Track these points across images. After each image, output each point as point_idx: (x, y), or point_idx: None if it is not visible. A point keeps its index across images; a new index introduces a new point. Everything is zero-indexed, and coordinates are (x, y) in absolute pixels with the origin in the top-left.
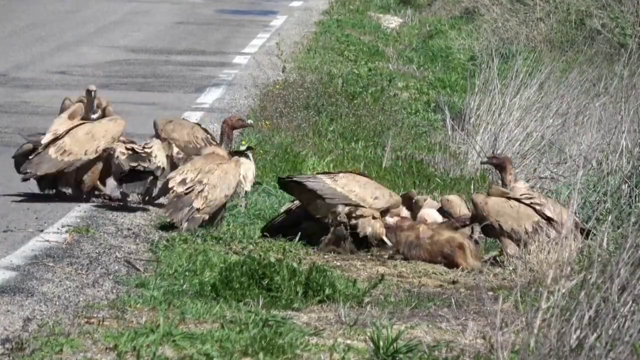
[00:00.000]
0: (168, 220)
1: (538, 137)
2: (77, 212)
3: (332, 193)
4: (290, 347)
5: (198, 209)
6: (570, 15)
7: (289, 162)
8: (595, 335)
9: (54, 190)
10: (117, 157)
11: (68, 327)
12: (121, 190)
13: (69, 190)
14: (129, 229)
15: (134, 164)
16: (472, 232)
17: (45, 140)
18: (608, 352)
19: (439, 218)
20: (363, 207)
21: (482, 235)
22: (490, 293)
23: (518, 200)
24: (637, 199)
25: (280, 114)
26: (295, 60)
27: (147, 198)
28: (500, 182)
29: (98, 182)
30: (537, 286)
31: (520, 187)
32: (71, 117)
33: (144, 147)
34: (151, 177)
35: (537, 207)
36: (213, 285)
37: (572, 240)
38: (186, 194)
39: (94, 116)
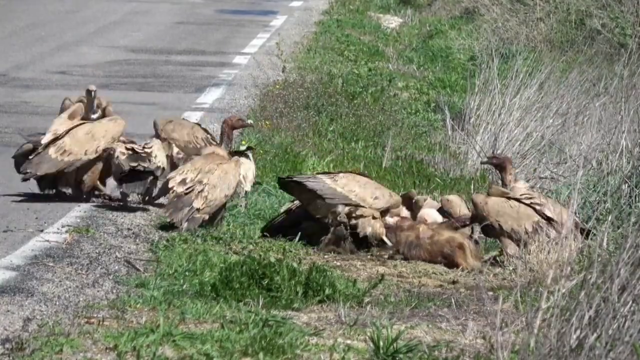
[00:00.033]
0: (168, 220)
1: (538, 137)
2: (77, 212)
3: (332, 193)
4: (290, 347)
5: (198, 209)
6: (570, 15)
7: (289, 162)
8: (595, 335)
9: (54, 190)
10: (117, 157)
11: (68, 327)
12: (121, 190)
13: (68, 191)
14: (129, 229)
15: (134, 164)
16: (472, 232)
17: (45, 140)
18: (608, 352)
19: (439, 218)
20: (363, 207)
21: (482, 235)
22: (490, 293)
23: (518, 200)
24: (637, 199)
25: (280, 114)
26: (295, 60)
27: (147, 198)
28: (500, 182)
29: (98, 182)
30: (537, 286)
31: (520, 187)
32: (71, 117)
33: (144, 147)
34: (151, 177)
35: (537, 207)
36: (213, 285)
37: (572, 240)
38: (186, 194)
39: (94, 116)
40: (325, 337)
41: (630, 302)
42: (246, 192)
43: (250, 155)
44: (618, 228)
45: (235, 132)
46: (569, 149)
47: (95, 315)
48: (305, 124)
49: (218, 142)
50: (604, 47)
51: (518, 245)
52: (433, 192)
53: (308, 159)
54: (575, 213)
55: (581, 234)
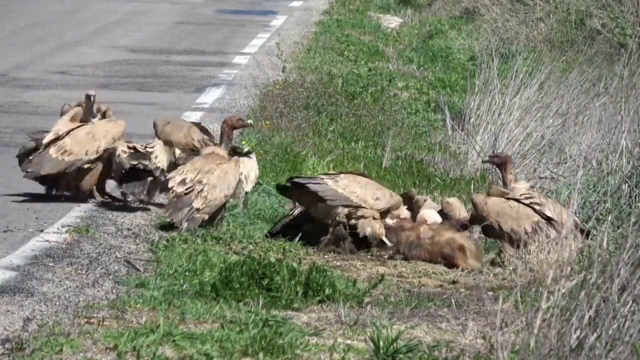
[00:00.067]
0: (168, 220)
1: (538, 137)
2: (77, 212)
3: (334, 195)
4: (290, 347)
5: (198, 209)
6: (570, 15)
7: (289, 162)
8: (595, 335)
9: (55, 191)
10: (119, 155)
11: (68, 327)
12: (121, 190)
13: (68, 193)
14: (129, 229)
15: (135, 162)
16: (471, 232)
17: (46, 140)
18: (608, 352)
19: (439, 219)
20: (364, 207)
21: (481, 235)
22: (490, 293)
23: (517, 200)
24: (637, 199)
25: (280, 114)
26: (295, 60)
27: (146, 199)
28: (500, 181)
29: (94, 188)
30: (537, 286)
31: (521, 188)
32: (72, 120)
33: (145, 147)
34: (150, 178)
35: (537, 207)
36: (213, 285)
37: (572, 240)
38: (186, 194)
39: (94, 120)
40: (325, 337)
41: (630, 302)
42: (246, 192)
43: (253, 155)
44: (618, 228)
45: (235, 132)
46: (569, 149)
47: (95, 315)
48: (305, 124)
49: (215, 142)
50: (604, 47)
51: (518, 246)
52: (433, 192)
53: (308, 159)
54: (575, 213)
55: (581, 234)
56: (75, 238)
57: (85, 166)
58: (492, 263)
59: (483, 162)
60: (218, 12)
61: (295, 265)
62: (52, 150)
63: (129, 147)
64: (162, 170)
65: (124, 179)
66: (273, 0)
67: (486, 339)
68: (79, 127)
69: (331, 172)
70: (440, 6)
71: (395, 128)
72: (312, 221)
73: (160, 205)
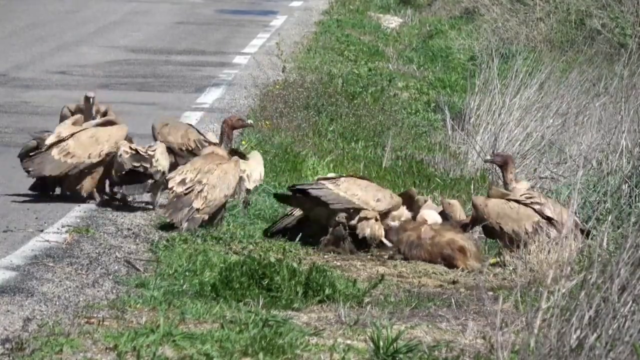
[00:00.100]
0: (168, 220)
1: (538, 137)
2: (77, 212)
3: (335, 198)
4: (290, 347)
5: (198, 209)
6: (570, 15)
7: (289, 162)
8: (595, 335)
9: (52, 192)
10: (121, 155)
11: (68, 327)
12: (121, 191)
13: (68, 193)
14: (129, 229)
15: (136, 164)
16: (472, 233)
17: (49, 141)
18: (608, 352)
19: (439, 219)
20: (365, 209)
21: (481, 235)
22: (490, 293)
23: (518, 201)
24: (637, 199)
25: (280, 114)
26: (295, 60)
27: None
28: (500, 181)
29: (95, 190)
30: (537, 286)
31: (521, 188)
32: (74, 124)
33: (147, 150)
34: (150, 181)
35: (537, 207)
36: (213, 285)
37: (572, 240)
38: (186, 194)
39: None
40: (325, 337)
41: (630, 302)
42: (247, 190)
43: (259, 155)
44: (618, 228)
45: (235, 132)
46: (569, 149)
47: (95, 315)
48: (305, 124)
49: (211, 142)
50: (604, 47)
51: (518, 246)
52: (433, 192)
53: (308, 159)
54: (575, 213)
55: (581, 233)
56: (75, 238)
57: (87, 169)
58: (494, 265)
59: (485, 161)
60: (218, 12)
61: (295, 265)
62: (54, 152)
63: (131, 148)
64: (163, 173)
65: (125, 181)
66: (273, 0)
67: (486, 339)
68: (83, 130)
69: (330, 176)
70: (440, 6)
71: (395, 128)
72: (312, 225)
73: (160, 206)
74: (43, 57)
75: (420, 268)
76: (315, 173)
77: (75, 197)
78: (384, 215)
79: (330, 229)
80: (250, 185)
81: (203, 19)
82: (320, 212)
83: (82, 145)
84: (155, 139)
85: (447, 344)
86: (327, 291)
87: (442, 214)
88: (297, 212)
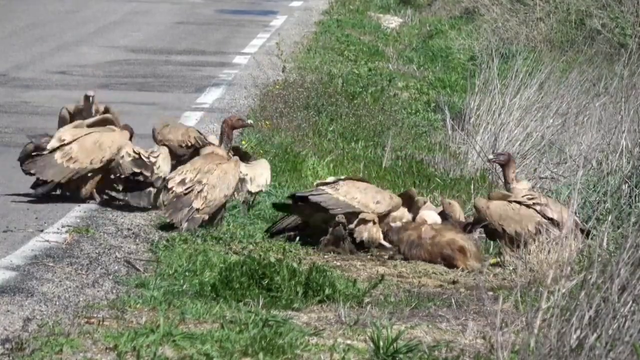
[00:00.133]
0: (168, 220)
1: (538, 137)
2: (77, 212)
3: (335, 203)
4: (290, 347)
5: (198, 209)
6: (570, 15)
7: (289, 162)
8: (595, 335)
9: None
10: (123, 156)
11: (68, 327)
12: (125, 198)
13: (68, 194)
14: (129, 229)
15: (137, 170)
16: (472, 233)
17: (51, 145)
18: (608, 352)
19: (438, 219)
20: (365, 212)
21: (482, 235)
22: (490, 293)
23: (519, 202)
24: (637, 199)
25: (280, 114)
26: (295, 60)
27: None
28: (500, 181)
29: (94, 191)
30: (537, 286)
31: (521, 189)
32: (76, 128)
33: (149, 155)
34: (152, 189)
35: (539, 208)
36: (213, 285)
37: (573, 240)
38: (185, 194)
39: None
40: (325, 337)
41: (630, 302)
42: (249, 191)
43: (265, 162)
44: (618, 228)
45: (235, 132)
46: (569, 149)
47: (95, 315)
48: (305, 124)
49: (211, 143)
50: (604, 47)
51: (518, 246)
52: (433, 192)
53: (308, 159)
54: (575, 213)
55: (581, 233)
56: (75, 238)
57: (89, 174)
58: (494, 265)
59: (488, 161)
60: (218, 12)
61: (295, 265)
62: (57, 155)
63: (134, 152)
64: (164, 179)
65: (127, 188)
66: (273, 0)
67: (486, 339)
68: (87, 134)
69: (329, 180)
70: (440, 6)
71: (395, 128)
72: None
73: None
74: (43, 57)
75: (420, 268)
76: (315, 173)
77: (75, 197)
78: (384, 216)
79: (330, 229)
80: (252, 188)
81: (203, 19)
82: (320, 217)
83: (86, 150)
84: (155, 140)
85: (447, 344)
86: (327, 291)
87: (442, 214)
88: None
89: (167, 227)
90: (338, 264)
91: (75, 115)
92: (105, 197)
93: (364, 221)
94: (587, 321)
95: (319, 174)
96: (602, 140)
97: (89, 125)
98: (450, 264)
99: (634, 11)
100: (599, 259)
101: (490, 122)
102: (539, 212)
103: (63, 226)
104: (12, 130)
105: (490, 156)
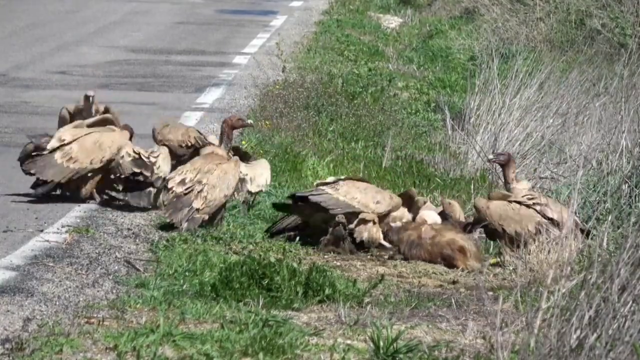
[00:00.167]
0: (168, 220)
1: (538, 137)
2: (77, 212)
3: (335, 203)
4: (290, 347)
5: (198, 209)
6: (570, 15)
7: (289, 162)
8: (595, 335)
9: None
10: (123, 156)
11: (68, 327)
12: (126, 198)
13: (68, 194)
14: (129, 229)
15: (137, 170)
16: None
17: (51, 145)
18: (608, 352)
19: (438, 219)
20: (365, 212)
21: (482, 235)
22: (490, 293)
23: (519, 202)
24: (637, 199)
25: (280, 114)
26: (295, 60)
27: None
28: (500, 181)
29: (94, 191)
30: (537, 286)
31: (521, 189)
32: (76, 128)
33: (149, 155)
34: (152, 189)
35: (539, 209)
36: (213, 285)
37: (573, 240)
38: (185, 194)
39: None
40: (325, 337)
41: (630, 302)
42: (249, 191)
43: (265, 162)
44: (618, 228)
45: (235, 132)
46: (569, 149)
47: (95, 315)
48: (305, 124)
49: (211, 144)
50: (604, 47)
51: (518, 246)
52: (433, 192)
53: (308, 159)
54: (575, 213)
55: (581, 233)
56: (75, 238)
57: (89, 174)
58: (494, 265)
59: (489, 161)
60: (218, 12)
61: (295, 265)
62: (57, 155)
63: (134, 151)
64: (164, 179)
65: (127, 188)
66: (273, 0)
67: (486, 339)
68: (87, 134)
69: (329, 180)
70: (440, 6)
71: (395, 128)
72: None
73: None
74: (43, 57)
75: (420, 268)
76: (315, 173)
77: (75, 197)
78: (384, 216)
79: (330, 229)
80: (253, 188)
81: (203, 19)
82: (320, 217)
83: (86, 150)
84: (155, 140)
85: (447, 344)
86: (327, 291)
87: (442, 214)
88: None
89: (167, 227)
90: (338, 264)
91: (75, 115)
92: (105, 197)
93: (364, 221)
94: (587, 321)
95: (319, 174)
96: (602, 140)
97: (89, 125)
98: (450, 264)
99: (634, 11)
100: (599, 259)
101: (490, 122)
102: (539, 212)
103: (63, 226)
104: (12, 130)
105: (490, 156)
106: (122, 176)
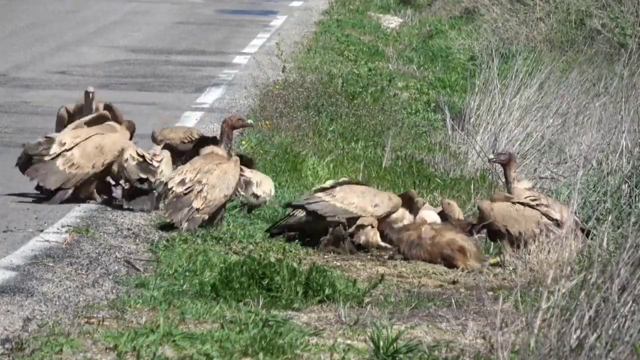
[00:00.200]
0: (168, 220)
1: (538, 137)
2: (77, 212)
3: (332, 210)
4: (290, 347)
5: (197, 209)
6: (570, 15)
7: (289, 162)
8: (595, 335)
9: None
10: (127, 160)
11: (68, 327)
12: (129, 206)
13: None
14: (129, 229)
15: (144, 176)
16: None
17: (53, 151)
18: (608, 352)
19: (438, 219)
20: (363, 217)
21: (482, 235)
22: (490, 293)
23: (523, 204)
24: (637, 199)
25: (280, 114)
26: (295, 60)
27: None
28: (500, 181)
29: (95, 191)
30: (537, 286)
31: (521, 189)
32: (75, 129)
33: (152, 158)
34: (154, 192)
35: (543, 210)
36: (213, 285)
37: (573, 240)
38: (185, 194)
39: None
40: (325, 337)
41: (630, 302)
42: (254, 194)
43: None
44: (618, 228)
45: (235, 132)
46: (569, 149)
47: (95, 315)
48: (305, 124)
49: (212, 136)
50: (604, 47)
51: (518, 246)
52: (433, 192)
53: (308, 159)
54: (575, 213)
55: (581, 233)
56: (75, 238)
57: (91, 178)
58: (494, 265)
59: (490, 160)
60: (218, 12)
61: (295, 265)
62: (59, 162)
63: (138, 154)
64: (166, 184)
65: (129, 195)
66: (273, 0)
67: (486, 339)
68: (88, 138)
69: (326, 185)
70: (440, 6)
71: (395, 128)
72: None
73: None
74: (43, 57)
75: (420, 268)
76: (315, 173)
77: (75, 197)
78: (384, 217)
79: (330, 229)
80: (259, 191)
81: (203, 19)
82: (319, 224)
83: (87, 155)
84: (155, 141)
85: (447, 344)
86: (327, 291)
87: (441, 214)
88: (299, 212)
89: (167, 227)
90: (338, 264)
91: (75, 114)
92: (105, 197)
93: (362, 226)
94: (587, 321)
95: (319, 174)
96: (602, 140)
97: (87, 123)
98: (450, 264)
99: (634, 11)
100: (599, 259)
101: (490, 122)
102: (543, 214)
103: (63, 226)
104: (12, 130)
105: (491, 156)
106: (129, 184)
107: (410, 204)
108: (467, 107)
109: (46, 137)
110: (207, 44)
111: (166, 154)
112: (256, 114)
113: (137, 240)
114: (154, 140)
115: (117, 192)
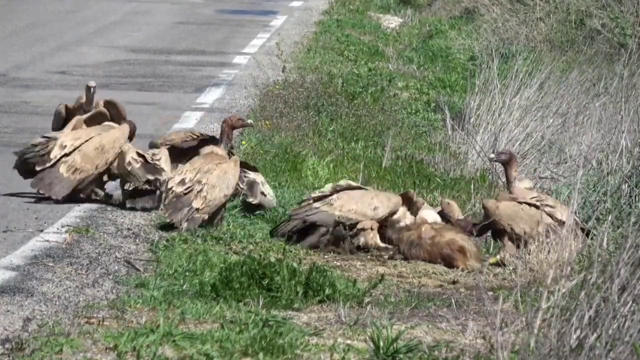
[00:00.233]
0: (168, 220)
1: (538, 137)
2: (77, 212)
3: (332, 220)
4: (290, 347)
5: (197, 209)
6: (570, 15)
7: (289, 162)
8: (595, 335)
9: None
10: (130, 162)
11: (68, 327)
12: (132, 205)
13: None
14: (129, 229)
15: (151, 178)
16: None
17: (54, 154)
18: (608, 352)
19: (438, 219)
20: (363, 221)
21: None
22: (490, 293)
23: (528, 203)
24: (637, 199)
25: (280, 114)
26: (295, 60)
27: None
28: (500, 181)
29: (95, 187)
30: (537, 286)
31: (522, 189)
32: (74, 129)
33: (153, 158)
34: (158, 191)
35: (548, 210)
36: (213, 285)
37: (573, 240)
38: (185, 194)
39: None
40: (325, 337)
41: (630, 302)
42: (262, 193)
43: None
44: (618, 228)
45: (235, 132)
46: (569, 149)
47: (95, 315)
48: (305, 124)
49: (213, 136)
50: (604, 47)
51: (518, 246)
52: (433, 192)
53: (308, 159)
54: (575, 213)
55: (581, 232)
56: (75, 238)
57: (95, 177)
58: (494, 265)
59: (490, 160)
60: (218, 12)
61: (295, 265)
62: (62, 169)
63: (139, 155)
64: (166, 183)
65: (132, 194)
66: (273, 0)
67: (486, 339)
68: (88, 140)
69: (325, 189)
70: (440, 6)
71: (395, 128)
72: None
73: None
74: (43, 57)
75: (420, 268)
76: (315, 173)
77: (75, 197)
78: (385, 219)
79: (331, 229)
80: (266, 190)
81: (203, 19)
82: (319, 231)
83: (89, 158)
84: (155, 146)
85: (447, 344)
86: (327, 291)
87: (441, 214)
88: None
89: (167, 227)
90: (338, 264)
91: (76, 110)
92: (107, 192)
93: (362, 230)
94: (587, 321)
95: (319, 174)
96: (602, 140)
97: (86, 121)
98: (450, 264)
99: (634, 11)
100: (599, 259)
101: (490, 122)
102: (548, 214)
103: (63, 226)
104: (12, 130)
105: (492, 155)
106: (138, 187)
107: (409, 205)
108: (467, 107)
109: (43, 137)
110: (207, 44)
111: (164, 153)
112: (256, 114)
113: (137, 240)
114: (154, 146)
115: (114, 191)
